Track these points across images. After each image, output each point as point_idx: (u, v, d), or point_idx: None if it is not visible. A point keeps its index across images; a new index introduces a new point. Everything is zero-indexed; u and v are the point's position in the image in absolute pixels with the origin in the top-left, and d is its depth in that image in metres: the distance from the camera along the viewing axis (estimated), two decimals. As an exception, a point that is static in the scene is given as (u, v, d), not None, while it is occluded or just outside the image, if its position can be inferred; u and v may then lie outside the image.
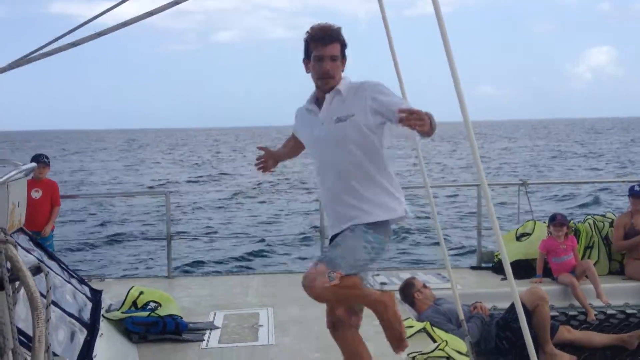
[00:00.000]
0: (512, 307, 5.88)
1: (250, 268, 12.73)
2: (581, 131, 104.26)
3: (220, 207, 23.01)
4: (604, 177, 30.18)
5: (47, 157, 7.75)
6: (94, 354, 3.74)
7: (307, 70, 3.39)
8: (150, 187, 30.56)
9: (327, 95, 3.33)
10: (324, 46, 3.26)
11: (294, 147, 3.79)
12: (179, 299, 6.10)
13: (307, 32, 3.35)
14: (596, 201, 21.35)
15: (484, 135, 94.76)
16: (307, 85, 3.47)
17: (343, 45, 3.32)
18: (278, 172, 30.44)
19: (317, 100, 3.42)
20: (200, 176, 36.84)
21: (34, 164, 4.39)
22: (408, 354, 4.53)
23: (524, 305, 5.55)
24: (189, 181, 34.20)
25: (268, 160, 3.78)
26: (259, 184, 29.86)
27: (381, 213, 3.24)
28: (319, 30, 3.30)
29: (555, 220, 6.89)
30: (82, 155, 63.95)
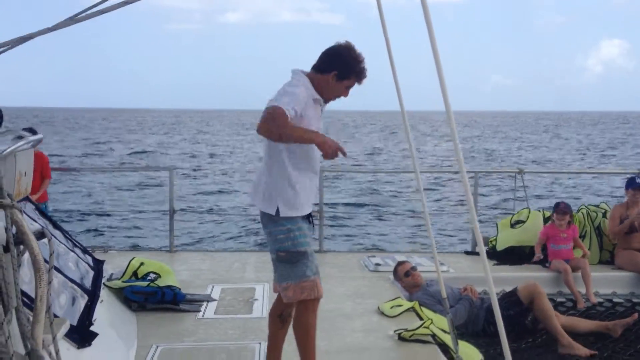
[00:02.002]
0: (504, 294, 6.06)
1: (250, 245, 12.95)
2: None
3: (223, 187, 23.25)
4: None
5: (36, 131, 7.88)
6: (93, 318, 3.92)
7: (328, 80, 3.56)
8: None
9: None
10: (359, 84, 3.63)
11: None
12: (178, 272, 6.31)
13: (357, 60, 3.56)
14: (591, 192, 21.49)
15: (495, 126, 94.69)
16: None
17: None
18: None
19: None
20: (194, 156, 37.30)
21: (40, 136, 4.55)
22: (395, 331, 4.72)
23: (518, 299, 5.77)
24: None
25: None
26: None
27: None
28: (364, 69, 3.59)
29: (559, 208, 7.01)
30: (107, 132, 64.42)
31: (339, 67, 3.54)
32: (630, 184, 7.23)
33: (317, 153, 3.52)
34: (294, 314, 3.68)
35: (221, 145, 48.57)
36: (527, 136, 64.85)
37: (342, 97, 3.67)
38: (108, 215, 16.25)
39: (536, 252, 7.05)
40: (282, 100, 3.31)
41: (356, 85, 3.65)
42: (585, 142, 55.00)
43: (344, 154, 3.43)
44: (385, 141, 55.04)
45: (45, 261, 2.62)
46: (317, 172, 3.70)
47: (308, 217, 3.65)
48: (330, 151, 3.36)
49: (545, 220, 7.39)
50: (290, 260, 3.52)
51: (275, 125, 3.25)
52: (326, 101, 3.66)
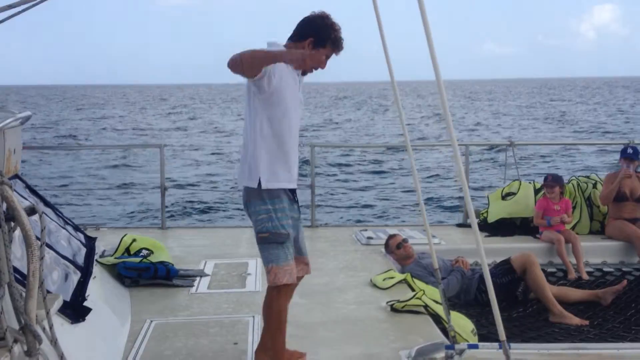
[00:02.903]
0: (497, 264, 6.11)
1: (244, 221, 12.96)
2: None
3: (215, 161, 23.22)
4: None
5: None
6: (87, 294, 3.93)
7: (303, 47, 3.44)
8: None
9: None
10: (337, 53, 3.53)
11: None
12: (171, 248, 6.32)
13: (332, 28, 3.47)
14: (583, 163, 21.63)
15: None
16: None
17: None
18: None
19: None
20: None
21: (29, 113, 4.52)
22: (387, 302, 4.75)
23: (511, 267, 5.82)
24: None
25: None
26: None
27: None
28: (340, 36, 3.51)
29: (547, 181, 7.05)
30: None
31: (314, 34, 3.45)
32: (623, 153, 7.27)
33: (297, 120, 3.48)
34: (266, 297, 3.57)
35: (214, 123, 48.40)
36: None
37: (321, 69, 3.56)
38: (101, 194, 16.21)
39: (540, 224, 7.00)
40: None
41: (335, 57, 3.56)
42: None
43: (318, 62, 3.47)
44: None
45: (37, 237, 2.62)
46: (297, 141, 3.54)
47: (293, 195, 3.53)
48: (301, 61, 3.37)
49: (537, 191, 7.43)
50: (271, 241, 3.41)
51: (239, 56, 3.21)
52: (304, 72, 3.56)
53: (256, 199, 3.42)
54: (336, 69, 4.23)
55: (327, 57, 3.53)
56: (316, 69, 3.55)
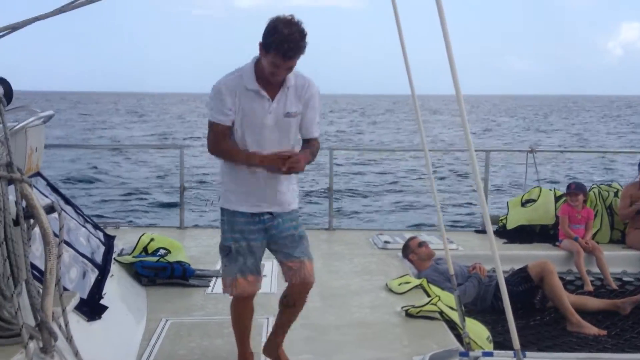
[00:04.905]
0: (514, 271, 6.07)
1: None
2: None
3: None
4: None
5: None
6: (104, 292, 3.97)
7: (260, 54, 3.25)
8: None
9: (281, 91, 3.33)
10: (284, 60, 3.16)
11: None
12: (188, 248, 6.35)
13: (273, 30, 3.13)
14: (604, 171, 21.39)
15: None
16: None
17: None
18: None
19: (258, 79, 3.32)
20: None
21: (51, 112, 4.58)
22: (402, 307, 4.74)
23: (528, 275, 5.77)
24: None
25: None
26: None
27: (297, 202, 3.64)
28: (285, 40, 3.10)
29: (570, 189, 6.98)
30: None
31: (262, 38, 3.19)
32: None
33: (262, 148, 3.38)
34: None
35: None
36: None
37: (277, 77, 3.26)
38: (120, 192, 16.35)
39: (567, 233, 6.87)
40: (208, 112, 3.41)
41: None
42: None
43: (296, 165, 3.30)
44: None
45: (55, 235, 2.65)
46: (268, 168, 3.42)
47: (264, 216, 3.50)
48: (276, 166, 3.32)
49: (557, 199, 7.37)
50: (220, 252, 3.59)
51: (210, 143, 3.43)
52: (269, 82, 3.30)
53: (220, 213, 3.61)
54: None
55: (274, 64, 3.18)
56: (271, 74, 3.26)
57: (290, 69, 3.25)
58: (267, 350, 3.81)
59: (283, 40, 3.10)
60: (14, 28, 2.47)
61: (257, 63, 3.31)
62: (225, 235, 3.55)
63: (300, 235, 3.57)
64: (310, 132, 3.49)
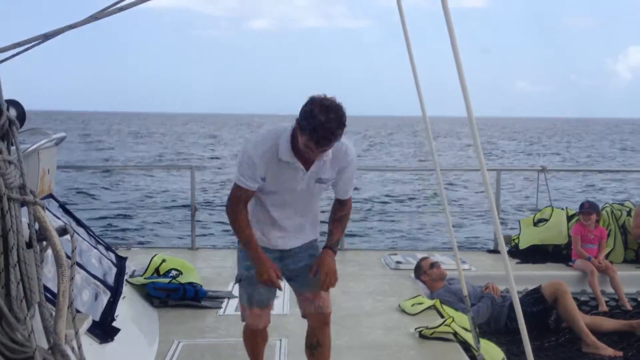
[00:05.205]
0: (528, 292, 6.01)
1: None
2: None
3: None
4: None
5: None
6: (116, 314, 3.96)
7: (297, 129, 3.13)
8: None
9: (317, 162, 3.25)
10: (317, 147, 3.05)
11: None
12: (200, 269, 6.34)
13: (309, 113, 3.00)
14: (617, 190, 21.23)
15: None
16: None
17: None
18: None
19: (294, 149, 3.22)
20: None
21: (63, 134, 4.61)
22: (415, 329, 4.70)
23: (542, 296, 5.72)
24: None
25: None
26: None
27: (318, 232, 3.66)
28: (320, 128, 2.97)
29: (583, 208, 6.93)
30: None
31: (299, 119, 3.08)
32: None
33: (283, 204, 3.41)
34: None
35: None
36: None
37: (312, 157, 3.15)
38: (131, 213, 16.39)
39: (580, 253, 6.81)
40: (236, 173, 3.35)
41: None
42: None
43: (277, 286, 3.37)
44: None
45: (68, 257, 2.65)
46: (287, 207, 3.43)
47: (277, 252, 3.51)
48: (262, 279, 3.35)
49: (569, 218, 7.32)
50: (236, 280, 3.61)
51: (232, 204, 3.36)
52: (306, 158, 3.22)
53: None
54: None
55: (307, 146, 3.07)
56: (306, 153, 3.16)
57: (324, 152, 3.14)
58: None
59: (318, 127, 2.97)
60: (46, 37, 2.46)
61: (295, 132, 3.18)
62: (240, 262, 3.54)
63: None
64: (344, 194, 3.47)
